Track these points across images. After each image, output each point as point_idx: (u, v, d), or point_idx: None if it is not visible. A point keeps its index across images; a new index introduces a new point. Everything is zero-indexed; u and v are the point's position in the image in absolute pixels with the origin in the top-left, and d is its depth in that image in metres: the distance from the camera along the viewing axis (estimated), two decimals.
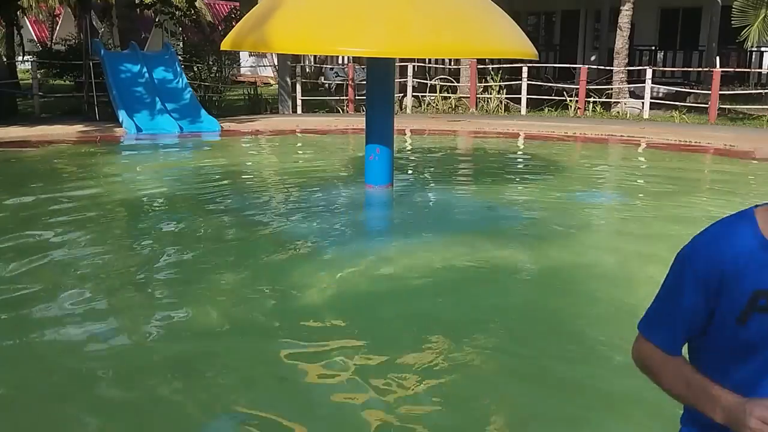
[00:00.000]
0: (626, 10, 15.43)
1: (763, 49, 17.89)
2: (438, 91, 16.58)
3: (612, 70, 15.98)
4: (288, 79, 15.53)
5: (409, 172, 8.85)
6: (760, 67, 18.36)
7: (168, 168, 9.07)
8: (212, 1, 29.88)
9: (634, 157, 11.00)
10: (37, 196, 6.84)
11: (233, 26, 10.39)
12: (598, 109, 15.52)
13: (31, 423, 2.73)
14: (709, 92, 14.26)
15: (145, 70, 13.17)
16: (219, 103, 16.15)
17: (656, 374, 1.46)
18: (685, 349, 1.45)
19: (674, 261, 1.41)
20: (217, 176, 8.44)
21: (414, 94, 16.55)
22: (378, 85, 6.88)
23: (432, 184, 8.03)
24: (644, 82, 14.99)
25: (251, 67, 24.10)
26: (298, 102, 15.72)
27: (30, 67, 16.98)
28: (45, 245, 5.10)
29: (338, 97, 16.65)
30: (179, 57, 15.22)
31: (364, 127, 6.96)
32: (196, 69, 16.61)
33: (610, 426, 2.81)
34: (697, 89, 16.43)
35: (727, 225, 1.36)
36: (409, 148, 11.28)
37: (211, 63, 16.86)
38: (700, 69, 17.31)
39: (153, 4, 17.71)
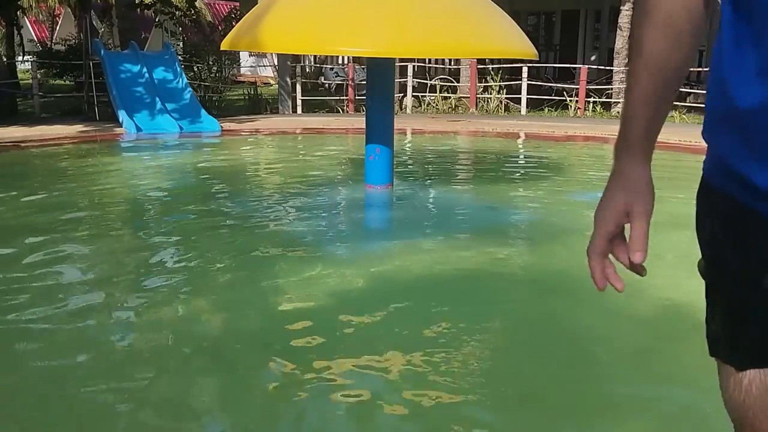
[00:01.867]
0: (626, 10, 15.43)
1: None
2: (438, 91, 16.58)
3: (612, 70, 15.98)
4: (288, 79, 15.54)
5: (409, 172, 8.84)
6: None
7: (168, 168, 9.07)
8: (212, 1, 29.92)
9: None
10: (37, 196, 6.84)
11: (233, 26, 10.40)
12: (598, 109, 15.53)
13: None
14: None
15: (145, 70, 13.17)
16: (219, 103, 16.16)
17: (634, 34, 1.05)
18: None
19: None
20: (216, 176, 8.44)
21: (414, 94, 16.55)
22: (378, 85, 6.87)
23: (432, 184, 8.02)
24: None
25: (251, 67, 24.12)
26: (298, 102, 15.72)
27: (30, 67, 16.98)
28: (44, 244, 5.10)
29: (338, 97, 16.65)
30: (179, 57, 15.22)
31: (364, 127, 6.96)
32: (196, 69, 16.62)
33: (610, 428, 2.80)
34: (697, 89, 16.43)
35: None
36: (409, 148, 11.28)
37: (211, 63, 16.87)
38: (700, 69, 17.31)
39: (153, 4, 17.75)
